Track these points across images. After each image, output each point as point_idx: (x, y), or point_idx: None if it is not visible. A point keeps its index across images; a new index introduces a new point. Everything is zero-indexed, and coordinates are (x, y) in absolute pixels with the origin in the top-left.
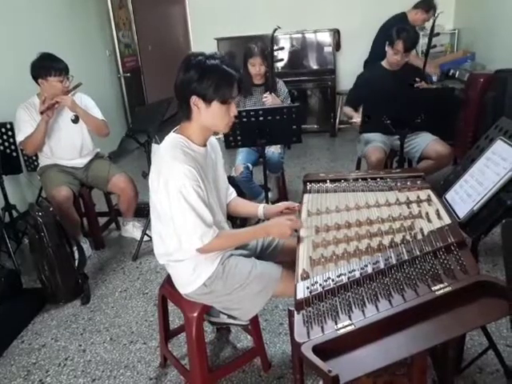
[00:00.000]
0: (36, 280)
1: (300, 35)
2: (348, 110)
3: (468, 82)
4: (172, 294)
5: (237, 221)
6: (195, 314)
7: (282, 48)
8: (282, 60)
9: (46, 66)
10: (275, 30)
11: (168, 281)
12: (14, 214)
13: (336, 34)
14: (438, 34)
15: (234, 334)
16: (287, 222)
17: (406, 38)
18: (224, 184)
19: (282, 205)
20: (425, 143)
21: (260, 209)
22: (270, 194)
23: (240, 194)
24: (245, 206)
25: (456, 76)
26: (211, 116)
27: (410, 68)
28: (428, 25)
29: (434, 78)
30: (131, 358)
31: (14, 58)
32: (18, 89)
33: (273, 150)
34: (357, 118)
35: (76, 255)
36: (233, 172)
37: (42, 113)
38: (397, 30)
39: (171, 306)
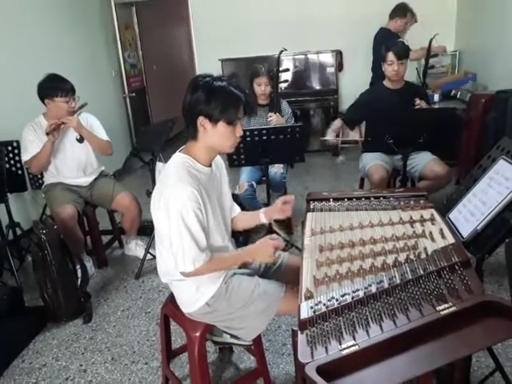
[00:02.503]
0: (38, 298)
1: (303, 56)
2: (337, 123)
3: (469, 103)
4: (174, 313)
5: (239, 238)
6: (198, 334)
7: (287, 69)
8: (286, 81)
9: (53, 87)
10: (281, 51)
11: (171, 300)
12: (18, 231)
13: (338, 54)
14: (435, 55)
15: (237, 354)
16: (269, 241)
17: (395, 47)
18: (229, 202)
19: (278, 201)
20: (423, 163)
21: (261, 215)
22: None
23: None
24: (248, 218)
25: (457, 96)
26: (217, 136)
27: (411, 87)
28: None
29: (436, 98)
30: (132, 379)
31: (20, 77)
32: (24, 108)
33: (275, 170)
34: (330, 136)
35: (79, 273)
36: (236, 190)
37: (48, 134)
38: (384, 47)
39: (173, 326)
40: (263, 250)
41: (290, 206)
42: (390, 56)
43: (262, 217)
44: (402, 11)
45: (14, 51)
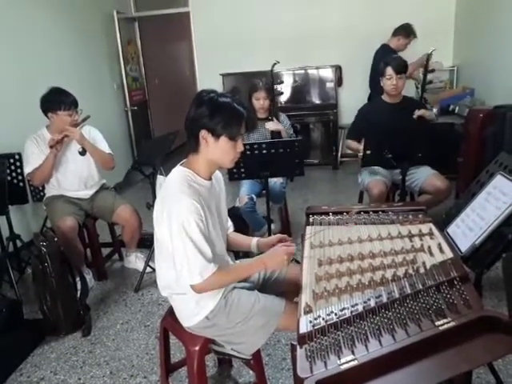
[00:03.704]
0: (37, 311)
1: (303, 71)
2: (351, 143)
3: (468, 118)
4: (174, 327)
5: (239, 252)
6: (197, 348)
7: (282, 82)
8: (282, 93)
9: (56, 101)
10: (274, 64)
11: (170, 313)
12: (19, 243)
13: (338, 69)
14: (433, 71)
15: (236, 368)
16: (281, 248)
17: (394, 62)
18: (225, 217)
19: (274, 238)
20: (423, 177)
21: (253, 242)
22: (272, 226)
23: (243, 224)
24: (239, 240)
25: (456, 111)
26: (218, 151)
27: (410, 101)
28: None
29: (435, 111)
30: None
31: (22, 90)
32: (26, 120)
33: (275, 180)
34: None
35: (78, 286)
36: (237, 203)
37: (51, 147)
38: (383, 62)
39: (173, 339)
40: (276, 258)
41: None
42: (389, 71)
43: (253, 245)
44: (405, 32)
45: (16, 64)
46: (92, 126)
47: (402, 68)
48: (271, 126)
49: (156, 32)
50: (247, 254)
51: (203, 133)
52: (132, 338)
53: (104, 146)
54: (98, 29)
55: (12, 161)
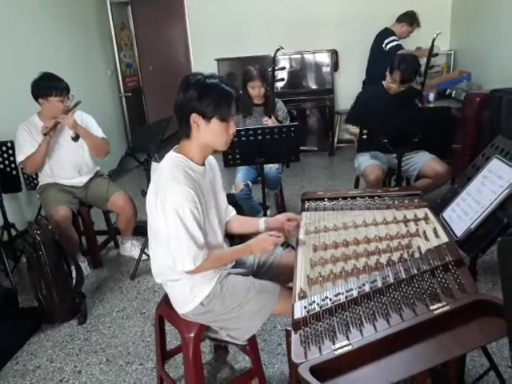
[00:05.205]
0: (33, 299)
1: (299, 56)
2: (351, 127)
3: (465, 102)
4: (169, 314)
5: (234, 239)
6: (192, 335)
7: (284, 68)
8: (282, 80)
9: (47, 86)
10: (277, 50)
11: (165, 300)
12: (13, 232)
13: (334, 54)
14: (436, 55)
15: (232, 354)
16: (268, 236)
17: (405, 70)
18: (223, 202)
19: (282, 216)
20: (422, 162)
21: (261, 223)
22: (268, 212)
23: (239, 211)
24: (245, 223)
25: (452, 95)
26: (210, 133)
27: (409, 89)
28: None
29: (431, 97)
30: (127, 380)
31: (15, 76)
32: (19, 107)
33: (270, 166)
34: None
35: (74, 274)
36: (233, 189)
37: (45, 134)
38: (400, 58)
39: (169, 326)
40: (261, 245)
41: (293, 223)
42: (397, 75)
43: (261, 224)
44: (410, 20)
45: (8, 50)
46: (84, 112)
47: (409, 78)
48: (270, 123)
49: (149, 16)
50: (243, 241)
51: (194, 116)
52: (128, 326)
53: (97, 131)
54: (91, 13)
55: (4, 149)
